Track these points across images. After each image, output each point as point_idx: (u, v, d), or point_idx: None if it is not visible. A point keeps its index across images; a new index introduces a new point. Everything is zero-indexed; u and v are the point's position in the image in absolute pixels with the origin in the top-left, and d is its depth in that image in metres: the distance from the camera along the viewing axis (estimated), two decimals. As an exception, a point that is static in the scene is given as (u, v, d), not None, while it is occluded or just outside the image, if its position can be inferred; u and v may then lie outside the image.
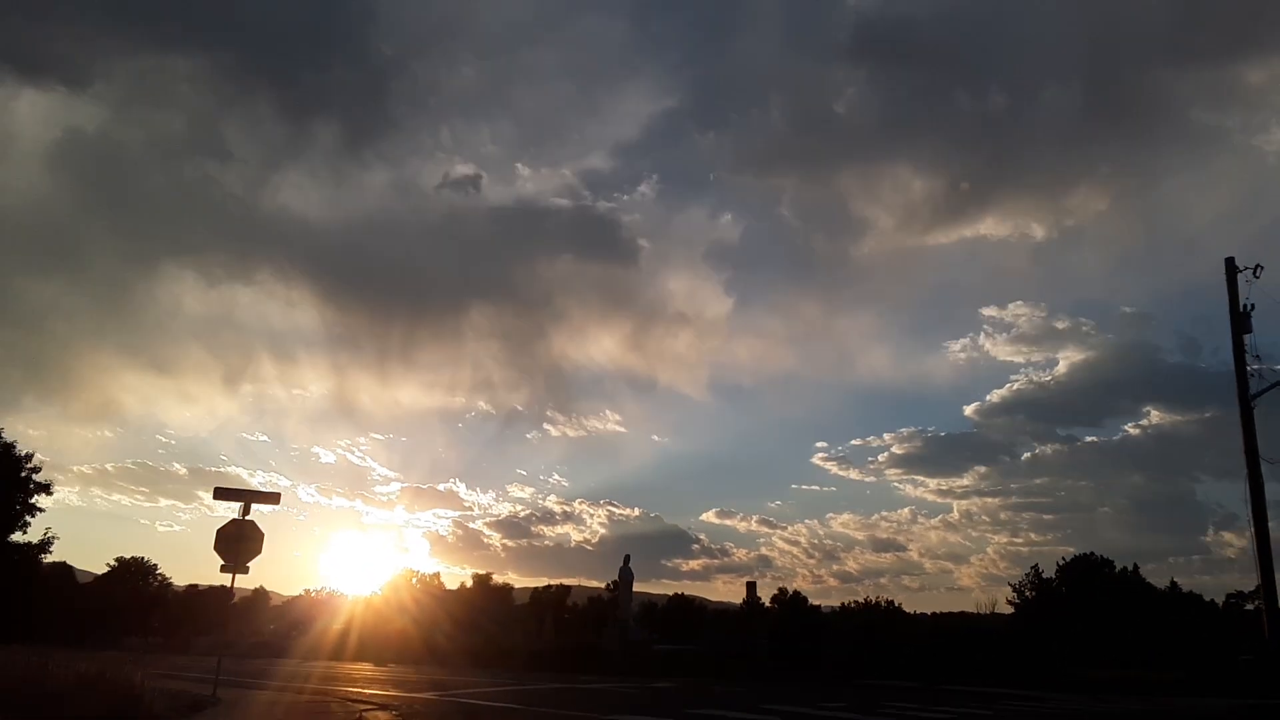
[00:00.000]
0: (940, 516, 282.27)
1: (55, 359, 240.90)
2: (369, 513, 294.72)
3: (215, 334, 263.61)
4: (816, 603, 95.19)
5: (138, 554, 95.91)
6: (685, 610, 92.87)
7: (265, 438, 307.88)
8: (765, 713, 17.51)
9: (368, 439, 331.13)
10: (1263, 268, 25.20)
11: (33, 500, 50.95)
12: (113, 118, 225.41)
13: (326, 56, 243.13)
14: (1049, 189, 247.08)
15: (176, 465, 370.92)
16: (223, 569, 19.06)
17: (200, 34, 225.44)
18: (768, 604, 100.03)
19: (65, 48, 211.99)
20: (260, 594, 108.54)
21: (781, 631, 60.20)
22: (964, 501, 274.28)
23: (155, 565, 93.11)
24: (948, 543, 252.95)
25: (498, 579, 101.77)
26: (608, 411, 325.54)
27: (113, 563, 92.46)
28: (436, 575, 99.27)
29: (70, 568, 74.40)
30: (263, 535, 19.33)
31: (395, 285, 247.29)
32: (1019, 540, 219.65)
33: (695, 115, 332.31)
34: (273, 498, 20.15)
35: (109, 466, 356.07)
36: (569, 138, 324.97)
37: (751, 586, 50.47)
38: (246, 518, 19.47)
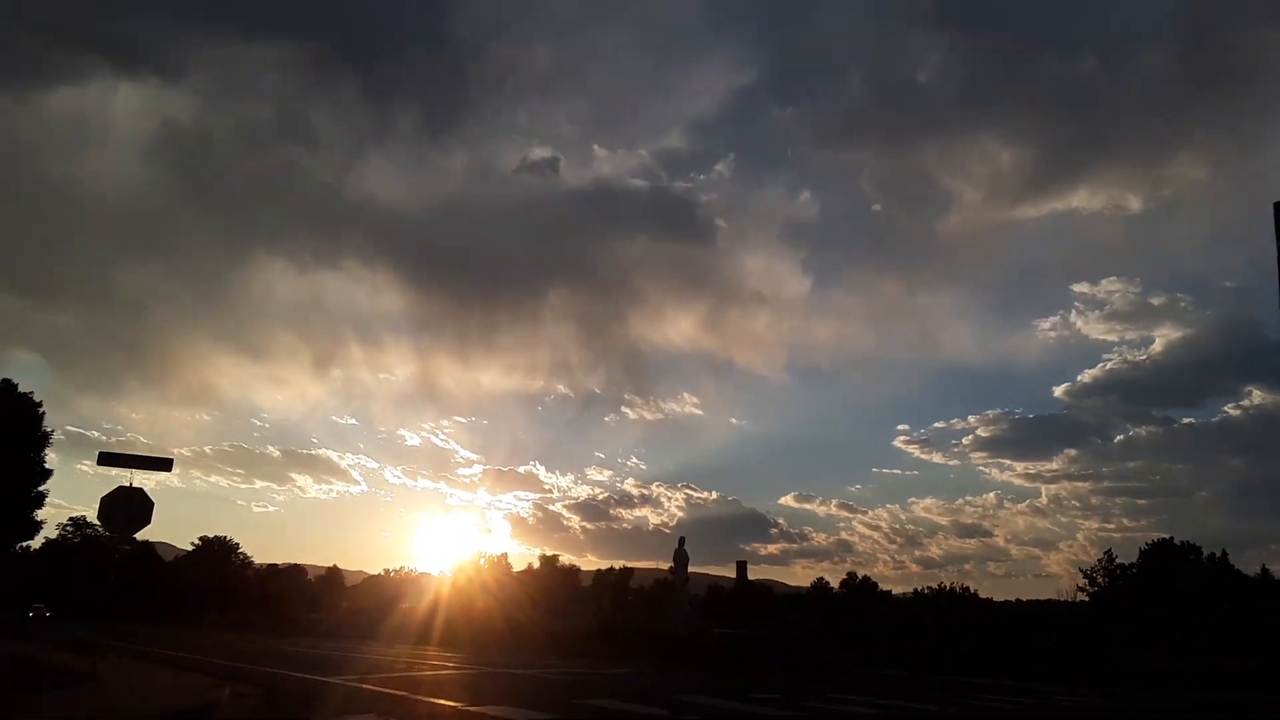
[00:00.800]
0: (1028, 501, 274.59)
1: (154, 345, 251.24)
2: (452, 494, 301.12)
3: (305, 319, 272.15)
4: (889, 588, 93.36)
5: (231, 534, 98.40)
6: (751, 594, 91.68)
7: (354, 420, 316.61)
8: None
9: (451, 422, 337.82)
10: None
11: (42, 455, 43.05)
12: (204, 108, 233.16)
13: (406, 42, 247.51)
14: (1145, 158, 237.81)
15: (270, 448, 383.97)
16: (108, 540, 18.48)
17: (285, 22, 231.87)
18: (836, 589, 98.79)
19: (159, 41, 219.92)
20: (334, 573, 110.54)
21: (841, 617, 58.77)
22: (1053, 486, 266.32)
23: (237, 544, 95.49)
24: (1035, 528, 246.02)
25: (571, 561, 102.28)
26: (685, 394, 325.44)
27: (196, 541, 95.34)
28: (504, 556, 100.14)
29: (151, 545, 77.02)
30: (152, 504, 18.47)
31: (475, 269, 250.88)
32: (1110, 526, 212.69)
33: (771, 91, 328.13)
34: (163, 464, 19.24)
35: (207, 449, 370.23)
36: (645, 117, 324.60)
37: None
38: (134, 485, 18.67)
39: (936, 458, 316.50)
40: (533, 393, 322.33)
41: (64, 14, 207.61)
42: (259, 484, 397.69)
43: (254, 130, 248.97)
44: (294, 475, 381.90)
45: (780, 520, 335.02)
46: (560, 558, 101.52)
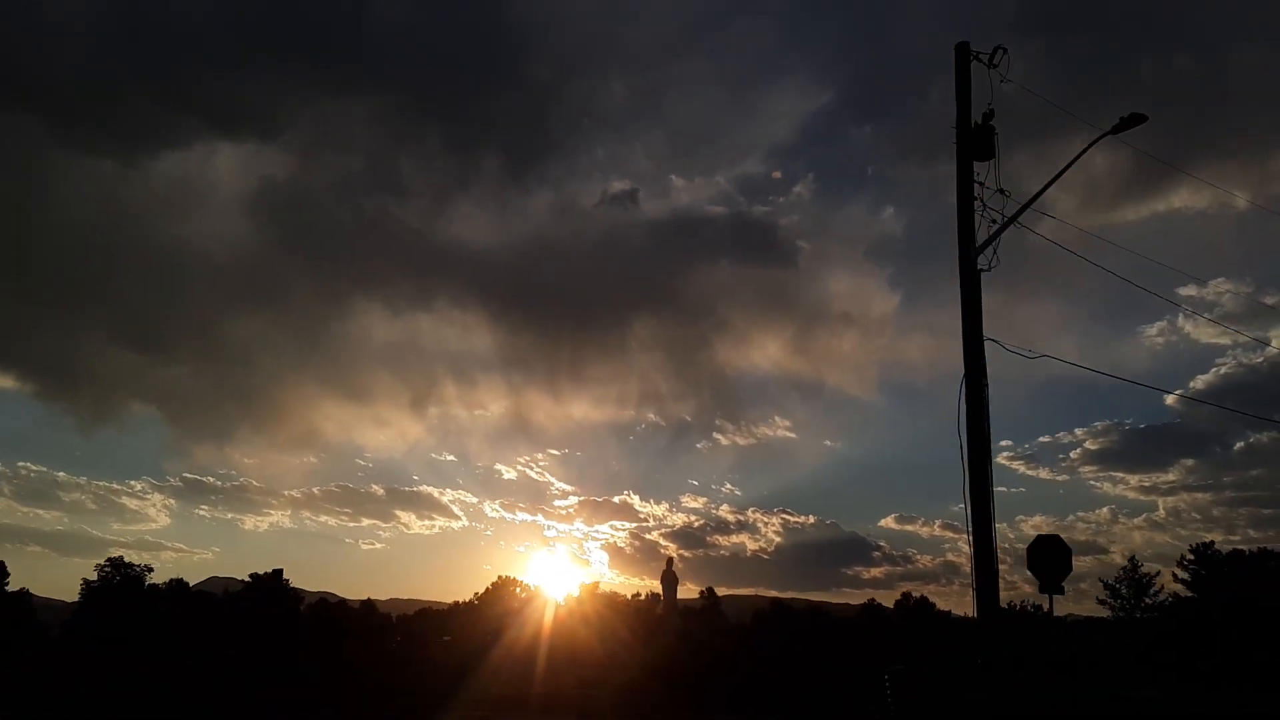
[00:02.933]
0: (1144, 515, 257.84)
1: (263, 391, 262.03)
2: (550, 526, 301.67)
3: (402, 361, 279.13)
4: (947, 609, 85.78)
5: (345, 573, 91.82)
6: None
7: (452, 457, 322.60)
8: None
9: (545, 455, 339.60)
10: (1006, 51, 17.16)
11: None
12: (300, 163, 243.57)
13: (487, 88, 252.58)
14: (1251, 153, 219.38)
15: (374, 486, 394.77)
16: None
17: (372, 77, 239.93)
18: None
19: (256, 102, 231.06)
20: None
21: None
22: (1170, 498, 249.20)
23: (288, 579, 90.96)
24: (1154, 543, 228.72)
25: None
26: (776, 417, 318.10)
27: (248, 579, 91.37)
28: (595, 585, 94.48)
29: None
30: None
31: (561, 304, 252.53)
32: (1235, 538, 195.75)
33: (850, 110, 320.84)
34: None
35: (315, 490, 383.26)
36: (722, 144, 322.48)
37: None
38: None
39: (1043, 473, 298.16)
40: (624, 423, 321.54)
41: (167, 82, 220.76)
42: (365, 522, 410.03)
43: (347, 182, 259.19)
44: (398, 512, 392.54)
45: (882, 543, 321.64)
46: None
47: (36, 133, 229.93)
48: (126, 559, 74.45)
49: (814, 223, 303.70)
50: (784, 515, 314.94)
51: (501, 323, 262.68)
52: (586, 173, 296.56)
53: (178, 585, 76.82)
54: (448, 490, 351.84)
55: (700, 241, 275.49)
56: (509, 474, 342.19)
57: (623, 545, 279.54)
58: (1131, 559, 54.11)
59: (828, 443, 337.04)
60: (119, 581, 72.65)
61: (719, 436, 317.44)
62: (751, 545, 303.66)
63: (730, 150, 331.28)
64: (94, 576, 73.44)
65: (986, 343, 16.73)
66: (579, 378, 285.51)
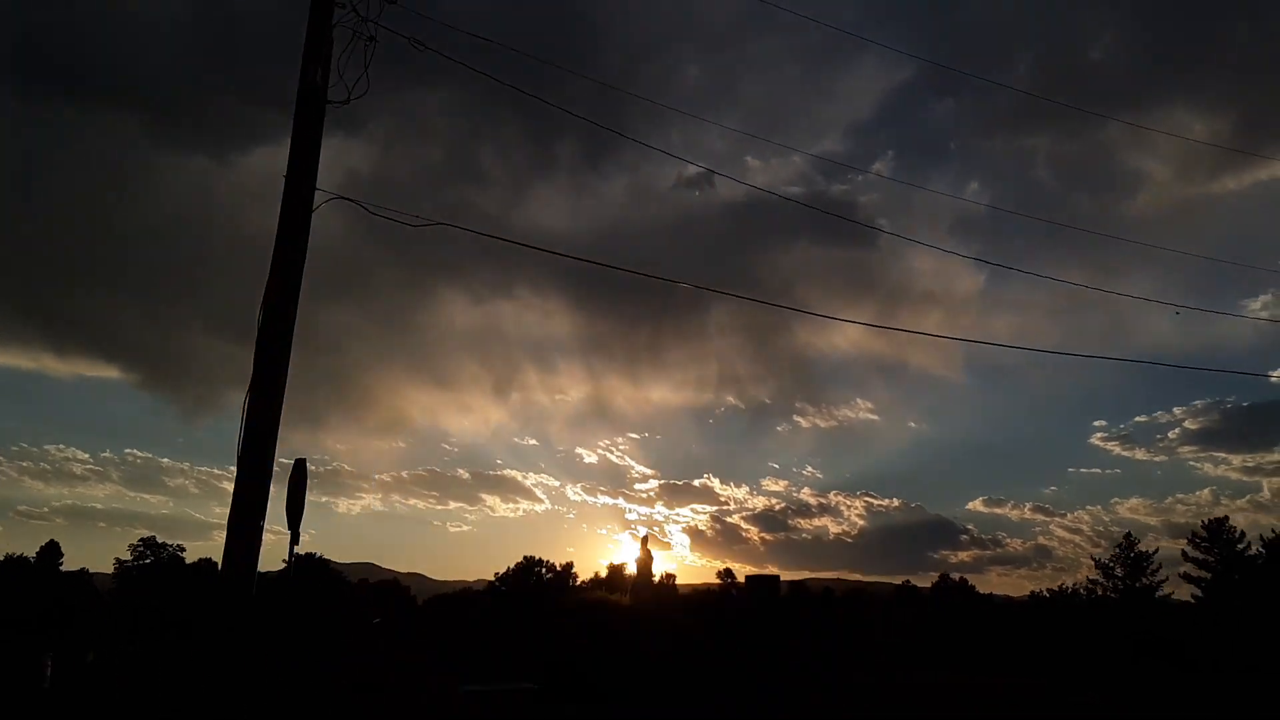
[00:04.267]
0: (1248, 497, 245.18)
1: (353, 379, 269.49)
2: (630, 510, 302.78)
3: (484, 347, 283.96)
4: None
5: (434, 554, 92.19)
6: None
7: (534, 441, 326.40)
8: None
9: (625, 438, 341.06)
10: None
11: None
12: (383, 155, 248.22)
13: (562, 74, 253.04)
14: None
15: (460, 470, 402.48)
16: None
17: (450, 67, 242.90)
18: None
19: (341, 96, 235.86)
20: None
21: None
22: (1276, 479, 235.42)
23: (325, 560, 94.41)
24: (1259, 525, 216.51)
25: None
26: (858, 399, 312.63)
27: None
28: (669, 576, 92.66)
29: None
30: None
31: (639, 288, 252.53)
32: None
33: (930, 84, 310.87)
34: None
35: (404, 474, 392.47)
36: (798, 124, 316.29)
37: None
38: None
39: (1139, 454, 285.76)
40: (703, 406, 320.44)
41: (256, 78, 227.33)
42: (452, 505, 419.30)
43: (428, 172, 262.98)
44: (483, 495, 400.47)
45: (970, 526, 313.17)
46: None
47: (133, 132, 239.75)
48: (64, 534, 78.14)
49: (894, 200, 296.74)
50: (867, 498, 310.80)
51: (581, 308, 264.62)
52: (661, 156, 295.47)
53: (208, 564, 79.16)
54: (530, 474, 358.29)
55: (778, 222, 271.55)
56: (590, 458, 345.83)
57: (704, 528, 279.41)
58: (1127, 535, 50.52)
59: (911, 424, 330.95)
60: (150, 561, 75.57)
61: (799, 419, 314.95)
62: (834, 528, 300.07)
63: (807, 129, 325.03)
64: (128, 556, 76.30)
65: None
66: (658, 362, 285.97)
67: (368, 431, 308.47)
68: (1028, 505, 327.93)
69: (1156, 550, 47.92)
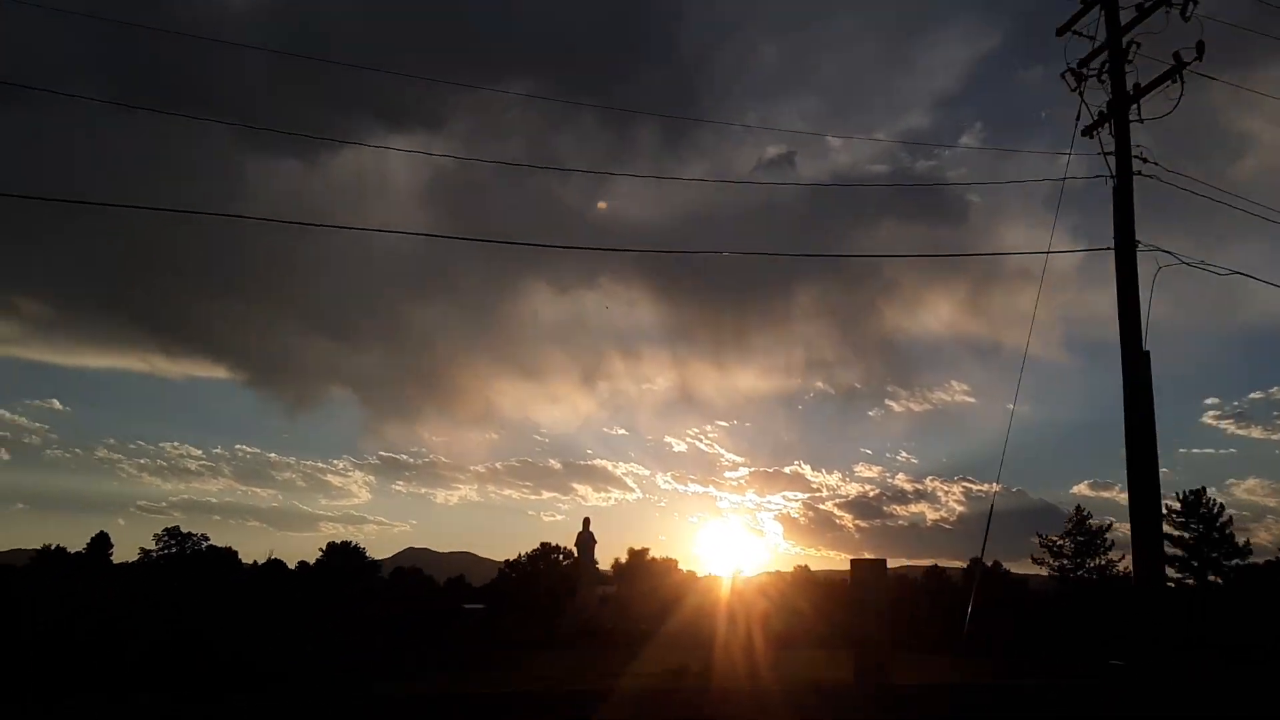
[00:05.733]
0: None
1: (445, 373, 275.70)
2: (721, 497, 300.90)
3: (570, 338, 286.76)
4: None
5: (529, 545, 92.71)
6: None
7: (623, 431, 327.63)
8: None
9: (713, 426, 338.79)
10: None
11: None
12: (463, 151, 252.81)
13: (638, 64, 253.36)
14: None
15: (552, 461, 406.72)
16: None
17: (527, 60, 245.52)
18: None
19: (423, 96, 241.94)
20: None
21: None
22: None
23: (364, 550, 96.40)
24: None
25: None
26: (953, 382, 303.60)
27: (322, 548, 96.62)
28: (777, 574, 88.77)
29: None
30: None
31: (722, 274, 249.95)
32: None
33: (1019, 51, 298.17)
34: None
35: (498, 465, 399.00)
36: (880, 101, 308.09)
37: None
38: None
39: (1256, 432, 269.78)
40: (791, 392, 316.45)
41: (341, 84, 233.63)
42: (545, 495, 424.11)
43: (508, 166, 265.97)
44: (575, 485, 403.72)
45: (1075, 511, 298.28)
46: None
47: (226, 138, 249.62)
48: (183, 528, 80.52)
49: (984, 174, 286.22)
50: (965, 483, 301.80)
51: (664, 296, 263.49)
52: (740, 138, 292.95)
53: (230, 553, 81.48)
54: (620, 463, 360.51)
55: (862, 202, 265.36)
56: (679, 446, 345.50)
57: (796, 515, 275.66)
58: (1077, 508, 46.77)
59: (1010, 406, 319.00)
60: (175, 550, 78.30)
61: (891, 403, 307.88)
62: (931, 515, 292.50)
63: (889, 106, 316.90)
64: (154, 546, 79.12)
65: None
66: (744, 348, 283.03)
67: (460, 424, 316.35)
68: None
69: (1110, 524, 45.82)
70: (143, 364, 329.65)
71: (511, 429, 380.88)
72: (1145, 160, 15.49)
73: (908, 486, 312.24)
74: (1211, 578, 43.51)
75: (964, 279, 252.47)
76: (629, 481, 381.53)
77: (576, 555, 46.79)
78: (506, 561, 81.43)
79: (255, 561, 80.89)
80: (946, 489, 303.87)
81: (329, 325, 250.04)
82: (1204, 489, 44.17)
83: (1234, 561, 43.37)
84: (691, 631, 34.68)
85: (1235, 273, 15.37)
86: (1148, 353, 15.06)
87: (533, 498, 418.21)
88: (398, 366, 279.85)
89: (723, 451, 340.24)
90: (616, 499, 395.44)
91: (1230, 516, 43.89)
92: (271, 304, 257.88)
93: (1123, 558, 45.57)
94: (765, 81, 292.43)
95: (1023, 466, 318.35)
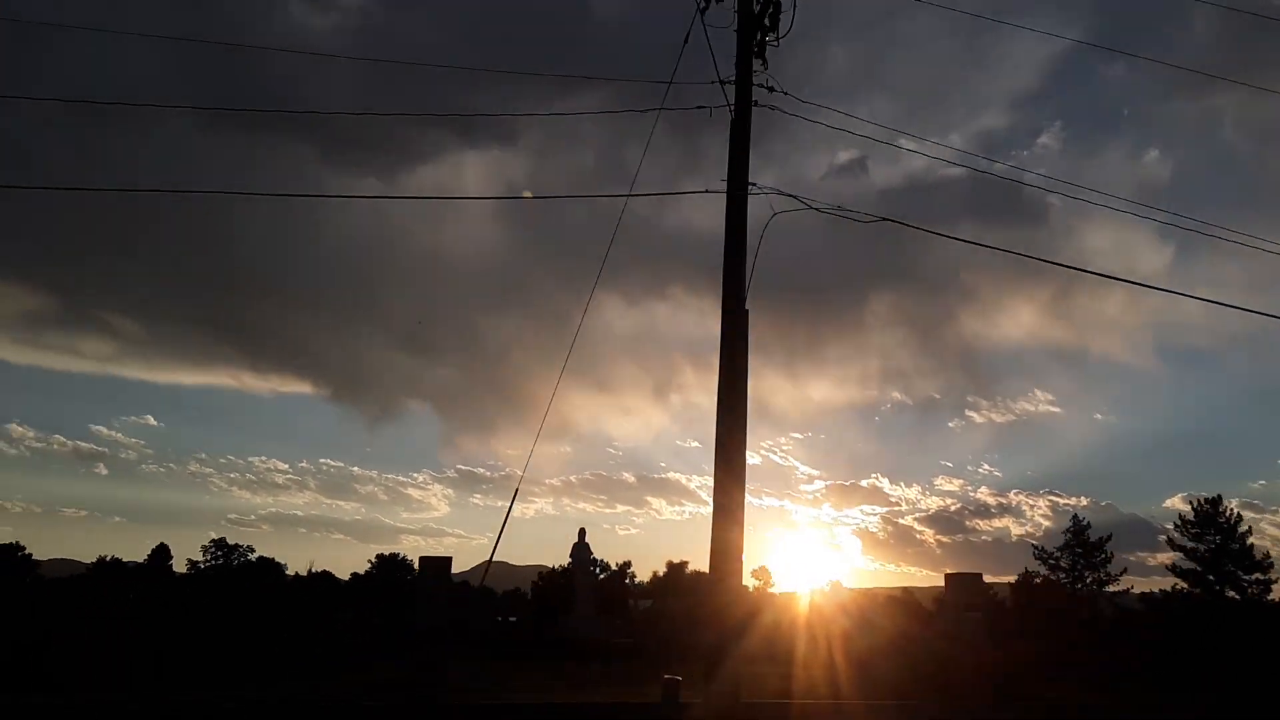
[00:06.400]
0: None
1: (519, 386, 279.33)
2: (797, 511, 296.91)
3: (642, 350, 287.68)
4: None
5: (607, 557, 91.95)
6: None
7: (696, 443, 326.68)
8: None
9: (788, 439, 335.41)
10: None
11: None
12: (537, 165, 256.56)
13: (704, 68, 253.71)
14: None
15: (625, 474, 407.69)
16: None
17: (596, 71, 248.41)
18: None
19: (494, 110, 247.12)
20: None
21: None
22: None
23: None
24: None
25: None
26: (1036, 391, 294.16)
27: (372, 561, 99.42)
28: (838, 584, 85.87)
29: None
30: None
31: (792, 283, 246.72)
32: None
33: (1099, 48, 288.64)
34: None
35: (572, 478, 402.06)
36: (955, 101, 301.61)
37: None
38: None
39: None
40: (867, 403, 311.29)
41: (417, 101, 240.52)
42: (620, 508, 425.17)
43: (579, 178, 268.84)
44: (649, 498, 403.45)
45: (1168, 526, 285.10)
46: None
47: (311, 158, 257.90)
48: (236, 535, 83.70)
49: (1065, 174, 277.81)
50: (1052, 497, 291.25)
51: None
52: (810, 144, 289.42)
53: (272, 563, 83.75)
54: (694, 476, 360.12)
55: (937, 207, 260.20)
56: (753, 459, 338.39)
57: (875, 530, 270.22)
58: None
59: (1098, 416, 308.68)
60: (222, 561, 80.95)
61: (972, 414, 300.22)
62: (1016, 529, 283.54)
63: (964, 106, 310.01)
64: (202, 558, 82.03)
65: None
66: (817, 358, 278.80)
67: (535, 437, 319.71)
68: (1235, 500, 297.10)
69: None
70: (232, 380, 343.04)
71: (585, 442, 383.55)
72: (773, 90, 14.83)
73: (991, 500, 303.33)
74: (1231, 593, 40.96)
75: (1046, 283, 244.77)
76: (703, 494, 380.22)
77: (572, 566, 46.42)
78: (539, 572, 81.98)
79: (296, 573, 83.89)
80: (1032, 502, 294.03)
81: (407, 340, 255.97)
82: (1220, 497, 41.58)
83: (1254, 576, 40.78)
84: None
85: (838, 210, 14.63)
86: (747, 311, 15.07)
87: (607, 511, 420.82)
88: (474, 380, 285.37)
89: (798, 464, 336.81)
90: (690, 512, 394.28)
91: (1250, 527, 41.21)
92: (353, 319, 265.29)
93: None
94: (834, 84, 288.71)
95: (1112, 479, 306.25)
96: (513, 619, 66.32)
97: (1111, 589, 46.32)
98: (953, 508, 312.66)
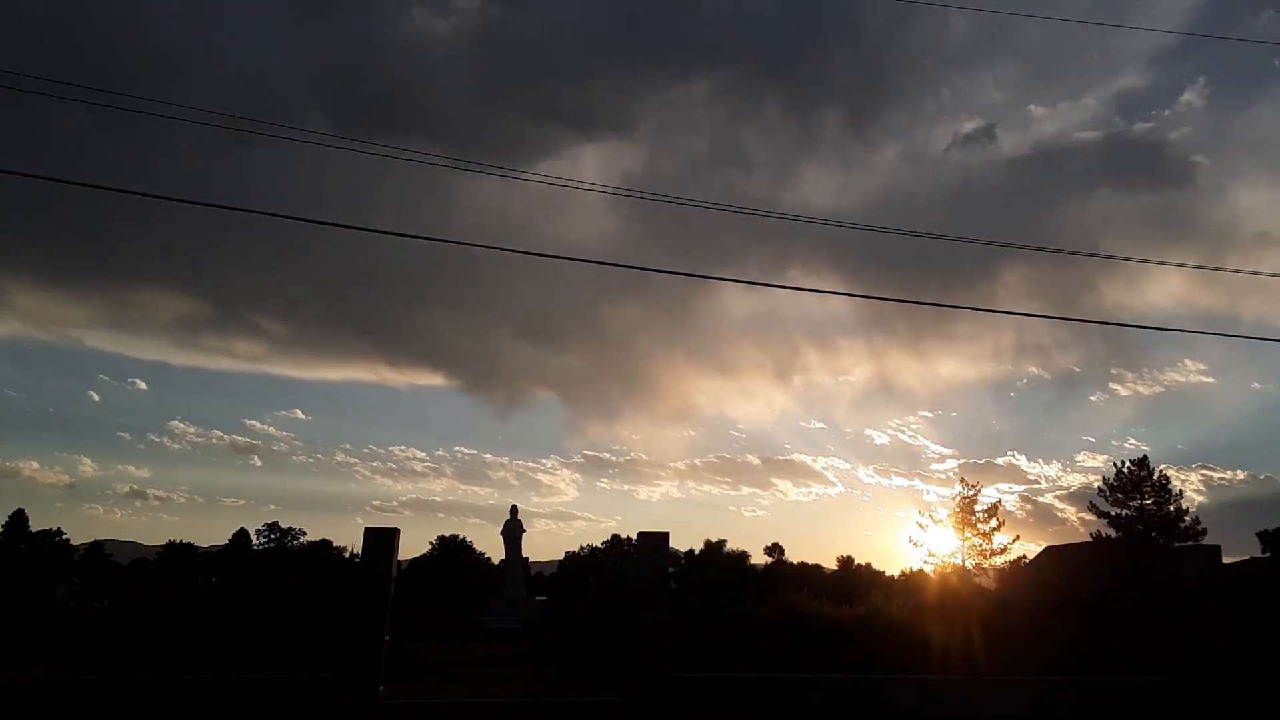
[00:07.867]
0: None
1: (642, 371, 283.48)
2: (929, 490, 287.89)
3: (762, 332, 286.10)
4: None
5: (733, 540, 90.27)
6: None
7: (821, 424, 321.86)
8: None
9: (916, 417, 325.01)
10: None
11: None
12: (653, 153, 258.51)
13: (819, 46, 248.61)
14: None
15: (750, 456, 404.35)
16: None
17: (707, 55, 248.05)
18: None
19: (611, 103, 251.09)
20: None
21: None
22: None
23: (471, 542, 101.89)
24: None
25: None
26: (1186, 361, 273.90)
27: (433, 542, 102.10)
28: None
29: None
30: None
31: (918, 258, 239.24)
32: None
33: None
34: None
35: (696, 461, 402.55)
36: (1086, 62, 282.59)
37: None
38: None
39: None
40: (1001, 379, 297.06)
41: (535, 98, 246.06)
42: (745, 490, 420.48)
43: (695, 164, 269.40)
44: (775, 480, 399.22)
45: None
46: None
47: (436, 158, 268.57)
48: (278, 523, 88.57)
49: (1211, 132, 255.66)
50: (1205, 471, 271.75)
51: (857, 284, 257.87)
52: (933, 116, 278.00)
53: (324, 545, 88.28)
54: (820, 457, 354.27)
55: (1072, 173, 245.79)
56: (880, 438, 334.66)
57: (1013, 509, 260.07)
58: None
59: (1255, 385, 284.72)
60: (273, 543, 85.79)
61: (1116, 387, 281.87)
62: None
63: (1097, 66, 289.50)
64: (255, 538, 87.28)
65: None
66: (946, 335, 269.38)
67: (659, 421, 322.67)
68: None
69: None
70: (371, 374, 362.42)
71: (708, 425, 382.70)
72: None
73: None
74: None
75: (1194, 248, 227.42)
76: (829, 475, 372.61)
77: (504, 543, 46.64)
78: (566, 553, 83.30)
79: (350, 552, 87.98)
80: (1183, 477, 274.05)
81: (532, 330, 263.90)
82: (1145, 456, 37.86)
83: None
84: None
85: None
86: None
87: (732, 493, 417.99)
88: (597, 367, 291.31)
89: (928, 443, 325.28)
90: (818, 493, 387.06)
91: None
92: (481, 313, 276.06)
93: None
94: (956, 53, 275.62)
95: (1273, 451, 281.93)
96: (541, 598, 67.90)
97: None
98: (1096, 484, 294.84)
